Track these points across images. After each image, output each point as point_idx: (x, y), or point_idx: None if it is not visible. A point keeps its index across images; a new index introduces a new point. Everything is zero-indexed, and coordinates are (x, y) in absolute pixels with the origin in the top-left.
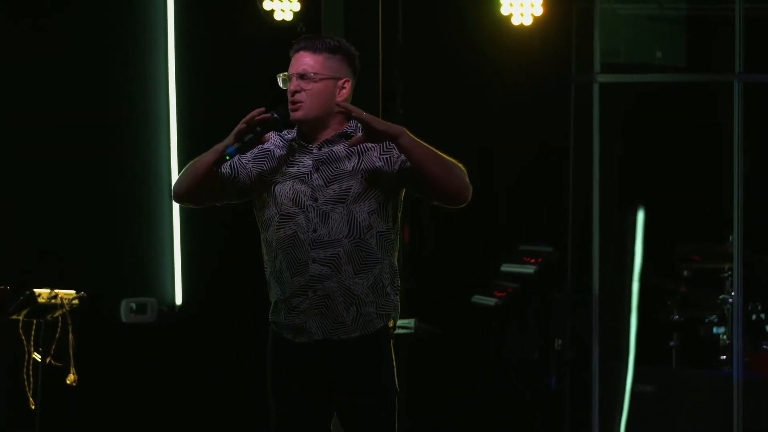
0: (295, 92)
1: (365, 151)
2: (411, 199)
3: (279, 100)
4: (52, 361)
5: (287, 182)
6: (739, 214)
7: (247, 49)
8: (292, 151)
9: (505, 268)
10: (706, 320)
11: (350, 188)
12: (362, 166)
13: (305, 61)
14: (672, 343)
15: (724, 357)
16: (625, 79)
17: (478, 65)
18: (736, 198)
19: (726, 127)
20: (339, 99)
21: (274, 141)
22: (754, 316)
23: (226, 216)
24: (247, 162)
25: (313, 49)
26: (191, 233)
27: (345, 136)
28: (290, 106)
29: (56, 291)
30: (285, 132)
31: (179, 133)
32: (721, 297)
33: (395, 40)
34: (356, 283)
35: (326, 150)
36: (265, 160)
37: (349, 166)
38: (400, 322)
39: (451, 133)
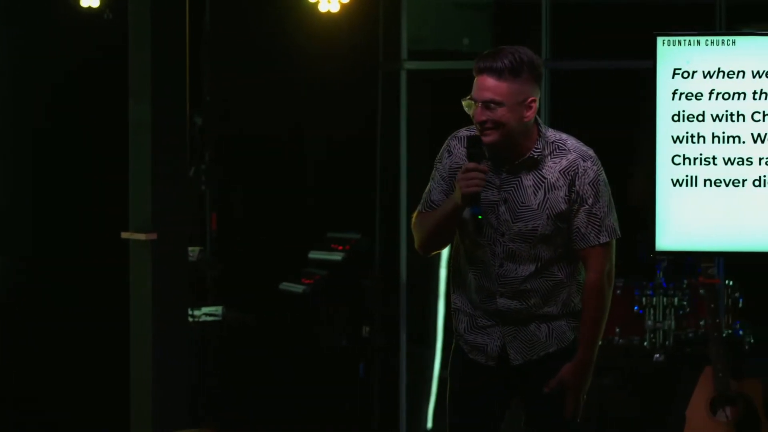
0: (481, 121)
1: (552, 189)
2: (220, 186)
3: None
4: None
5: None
6: None
7: (52, 37)
8: None
9: (313, 255)
10: None
11: (536, 228)
12: (548, 204)
13: (489, 87)
14: None
15: None
16: (432, 66)
17: (286, 52)
18: None
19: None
20: (527, 118)
21: (461, 154)
22: None
23: (31, 205)
24: (448, 188)
25: (498, 74)
26: None
27: (533, 162)
28: (478, 131)
29: None
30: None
31: None
32: None
33: (202, 26)
34: (546, 311)
35: (514, 180)
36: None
37: (534, 202)
38: (206, 310)
39: (260, 121)
